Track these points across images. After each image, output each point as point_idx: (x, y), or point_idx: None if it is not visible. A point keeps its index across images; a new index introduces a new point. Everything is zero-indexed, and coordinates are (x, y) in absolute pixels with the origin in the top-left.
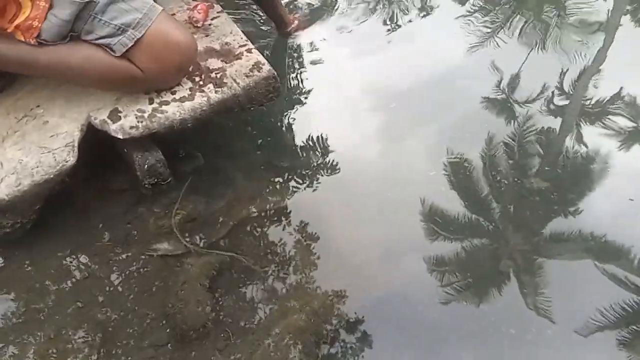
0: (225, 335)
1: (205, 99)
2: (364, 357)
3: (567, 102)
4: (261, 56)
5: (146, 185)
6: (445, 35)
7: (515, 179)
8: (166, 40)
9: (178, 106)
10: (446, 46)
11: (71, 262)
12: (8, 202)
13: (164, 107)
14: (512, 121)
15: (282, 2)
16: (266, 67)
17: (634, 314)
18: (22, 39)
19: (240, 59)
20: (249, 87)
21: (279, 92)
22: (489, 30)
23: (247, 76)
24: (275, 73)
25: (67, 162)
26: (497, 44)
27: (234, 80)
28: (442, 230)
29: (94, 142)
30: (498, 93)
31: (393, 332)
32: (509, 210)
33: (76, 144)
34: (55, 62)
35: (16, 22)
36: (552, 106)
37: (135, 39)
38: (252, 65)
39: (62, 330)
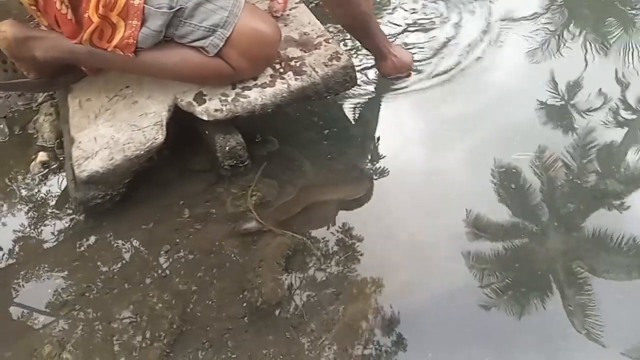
0: (299, 314)
1: (286, 85)
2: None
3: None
4: (339, 46)
5: (225, 167)
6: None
7: (587, 181)
8: (254, 34)
9: (259, 92)
10: (504, 52)
11: (154, 234)
12: (102, 175)
13: (246, 92)
14: (580, 124)
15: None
16: (344, 57)
17: None
18: (121, 54)
19: (319, 48)
20: (327, 76)
21: (355, 81)
22: (549, 35)
23: (325, 65)
24: (353, 63)
25: (156, 139)
26: (558, 50)
27: (313, 69)
28: (488, 235)
29: (178, 123)
30: (557, 99)
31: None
32: (580, 211)
33: (164, 123)
34: (151, 65)
35: (114, 42)
36: (622, 112)
37: (225, 38)
38: (331, 55)
39: (146, 297)
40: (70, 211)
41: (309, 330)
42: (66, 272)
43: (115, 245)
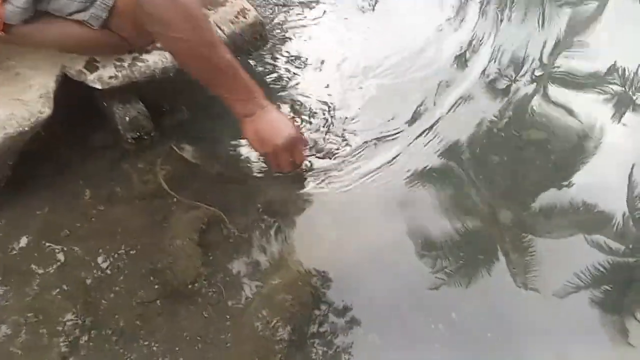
0: (217, 291)
1: None
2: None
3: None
4: (247, 2)
5: (129, 140)
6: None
7: (514, 131)
8: None
9: (159, 54)
10: (424, 21)
11: (50, 220)
12: None
13: (144, 56)
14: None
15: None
16: (252, 14)
17: (607, 275)
18: None
19: (225, 5)
20: (234, 34)
21: (266, 40)
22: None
23: (232, 23)
24: (262, 19)
25: (42, 113)
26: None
27: (219, 27)
28: (420, 191)
29: (71, 95)
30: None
31: (380, 313)
32: (506, 164)
33: (52, 95)
34: (28, 40)
35: None
36: (539, 71)
37: (109, 8)
38: (237, 12)
39: (45, 291)
40: None
41: (229, 307)
42: None
43: (5, 235)
